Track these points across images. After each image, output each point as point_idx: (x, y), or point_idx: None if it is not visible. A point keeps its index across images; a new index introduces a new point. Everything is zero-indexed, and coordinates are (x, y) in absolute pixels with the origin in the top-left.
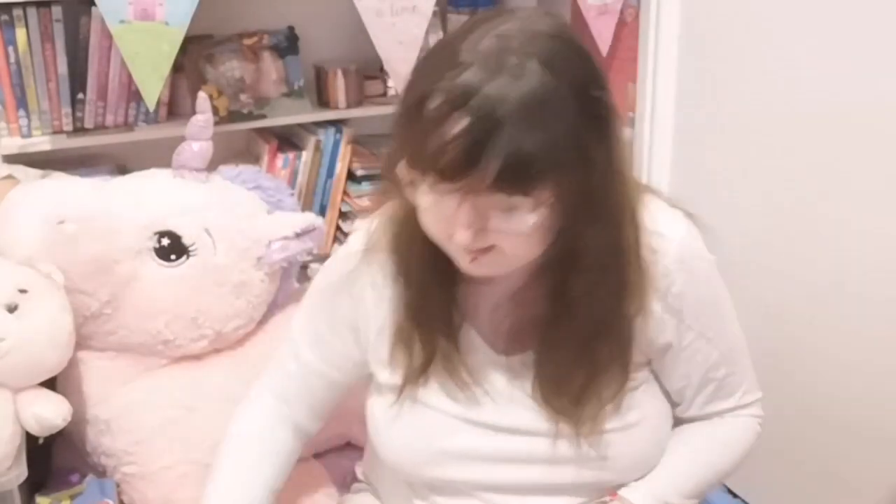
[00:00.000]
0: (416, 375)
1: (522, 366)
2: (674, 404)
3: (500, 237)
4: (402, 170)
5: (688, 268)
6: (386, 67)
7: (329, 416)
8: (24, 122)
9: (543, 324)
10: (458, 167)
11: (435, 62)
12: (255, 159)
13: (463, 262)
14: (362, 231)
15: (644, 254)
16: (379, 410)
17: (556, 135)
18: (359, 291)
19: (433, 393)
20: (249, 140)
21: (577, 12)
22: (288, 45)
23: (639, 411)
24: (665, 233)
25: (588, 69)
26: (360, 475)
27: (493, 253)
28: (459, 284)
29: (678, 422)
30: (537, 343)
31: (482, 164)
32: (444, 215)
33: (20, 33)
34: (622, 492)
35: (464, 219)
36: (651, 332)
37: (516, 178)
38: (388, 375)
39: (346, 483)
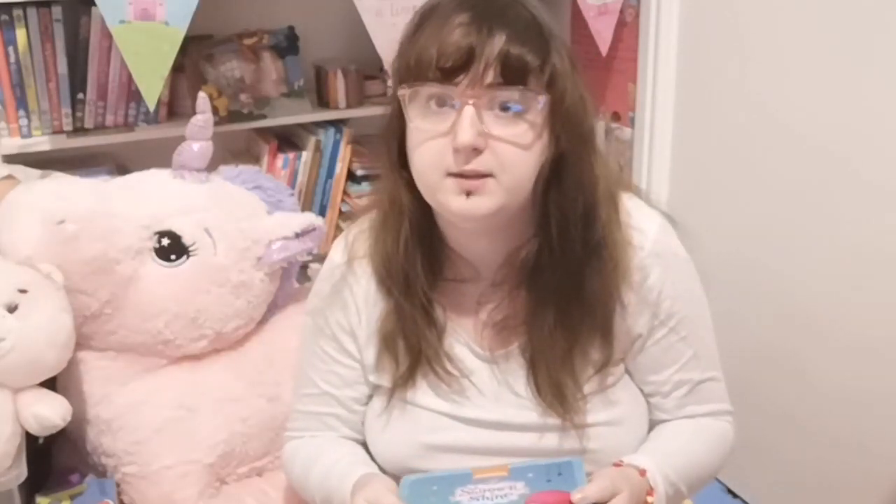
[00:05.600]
0: (403, 381)
1: (507, 360)
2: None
3: (498, 156)
4: (402, 93)
5: (662, 262)
6: (386, 67)
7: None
8: (23, 122)
9: (526, 305)
10: (460, 59)
11: None
12: (255, 159)
13: (457, 202)
14: (340, 244)
15: (621, 235)
16: (371, 415)
17: (548, 38)
18: (347, 297)
19: (421, 393)
20: (249, 140)
21: (576, 12)
22: (288, 45)
23: (620, 408)
24: (641, 227)
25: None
26: None
27: (489, 184)
28: (441, 285)
29: (653, 424)
30: (521, 331)
31: (483, 53)
32: (443, 134)
33: (20, 33)
34: (626, 459)
35: (466, 120)
36: (627, 322)
37: (514, 68)
38: (375, 378)
39: None
